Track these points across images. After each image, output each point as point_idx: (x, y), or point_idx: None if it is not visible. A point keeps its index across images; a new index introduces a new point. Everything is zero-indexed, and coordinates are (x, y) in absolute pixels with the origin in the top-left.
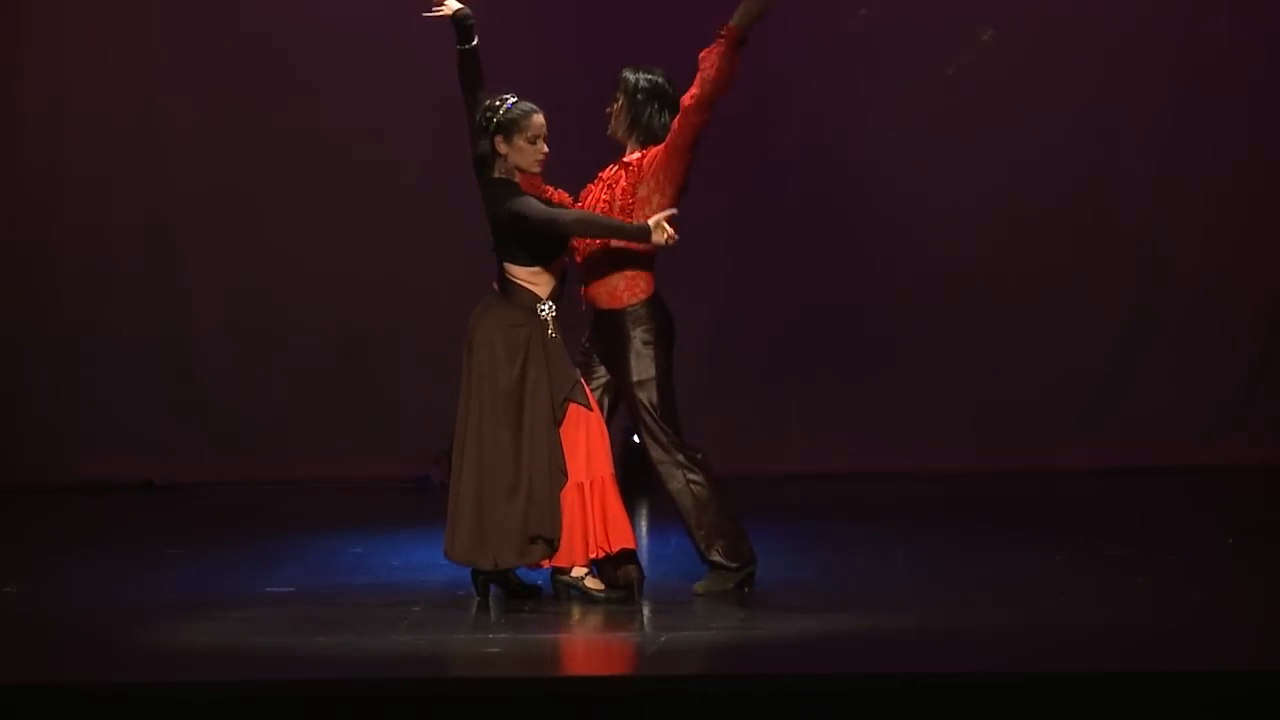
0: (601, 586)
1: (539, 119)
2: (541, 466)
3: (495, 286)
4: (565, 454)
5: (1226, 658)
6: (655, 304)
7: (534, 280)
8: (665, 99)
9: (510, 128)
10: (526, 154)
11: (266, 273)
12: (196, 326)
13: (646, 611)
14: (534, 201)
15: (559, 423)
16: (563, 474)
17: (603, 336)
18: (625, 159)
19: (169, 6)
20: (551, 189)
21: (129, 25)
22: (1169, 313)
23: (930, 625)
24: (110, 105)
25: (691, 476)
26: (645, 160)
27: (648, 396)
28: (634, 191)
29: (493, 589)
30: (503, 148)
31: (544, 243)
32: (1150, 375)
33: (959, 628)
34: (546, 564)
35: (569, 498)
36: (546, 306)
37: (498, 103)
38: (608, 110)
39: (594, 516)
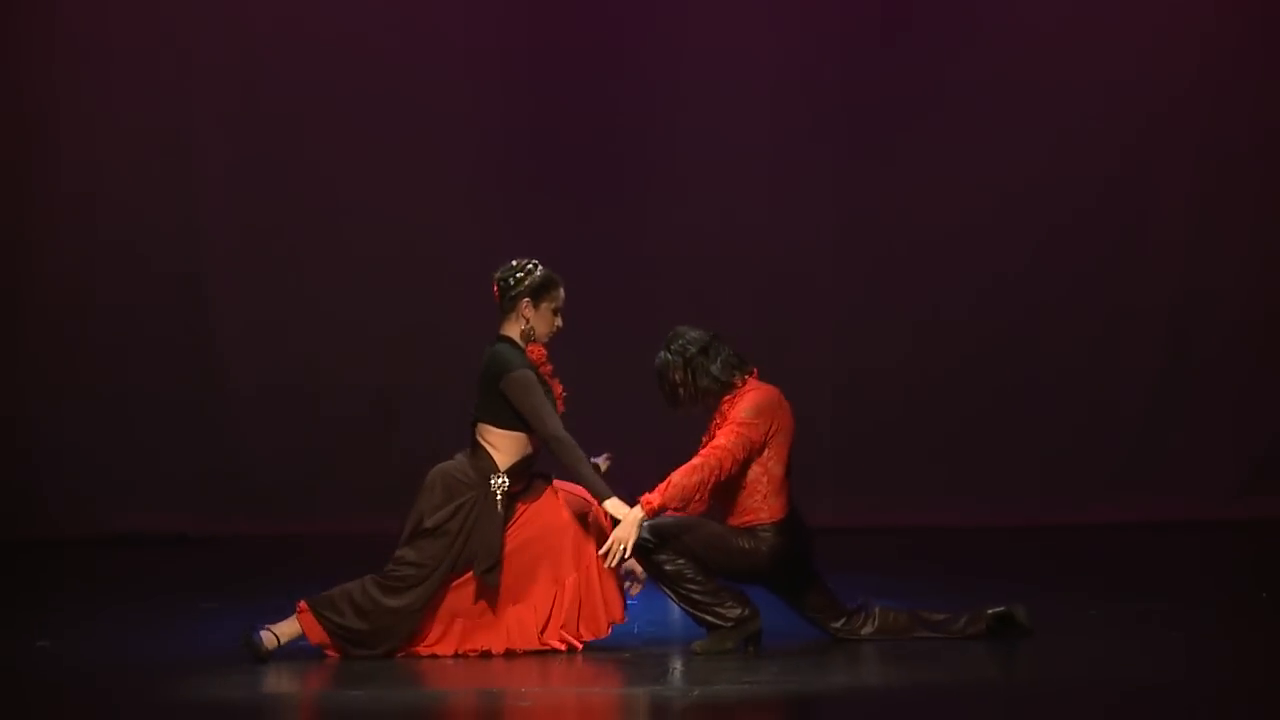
0: None
1: (562, 291)
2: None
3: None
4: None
5: (1265, 715)
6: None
7: (499, 446)
8: (705, 350)
9: (541, 293)
10: (548, 322)
11: (300, 328)
12: (230, 380)
13: (678, 665)
14: (536, 387)
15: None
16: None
17: None
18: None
19: (203, 61)
20: (551, 368)
21: (162, 82)
22: (1203, 368)
23: (963, 679)
24: (144, 169)
25: (662, 557)
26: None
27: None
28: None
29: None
30: (528, 311)
31: (521, 418)
32: (1184, 431)
33: (992, 682)
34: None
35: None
36: (500, 479)
37: (530, 265)
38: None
39: None
